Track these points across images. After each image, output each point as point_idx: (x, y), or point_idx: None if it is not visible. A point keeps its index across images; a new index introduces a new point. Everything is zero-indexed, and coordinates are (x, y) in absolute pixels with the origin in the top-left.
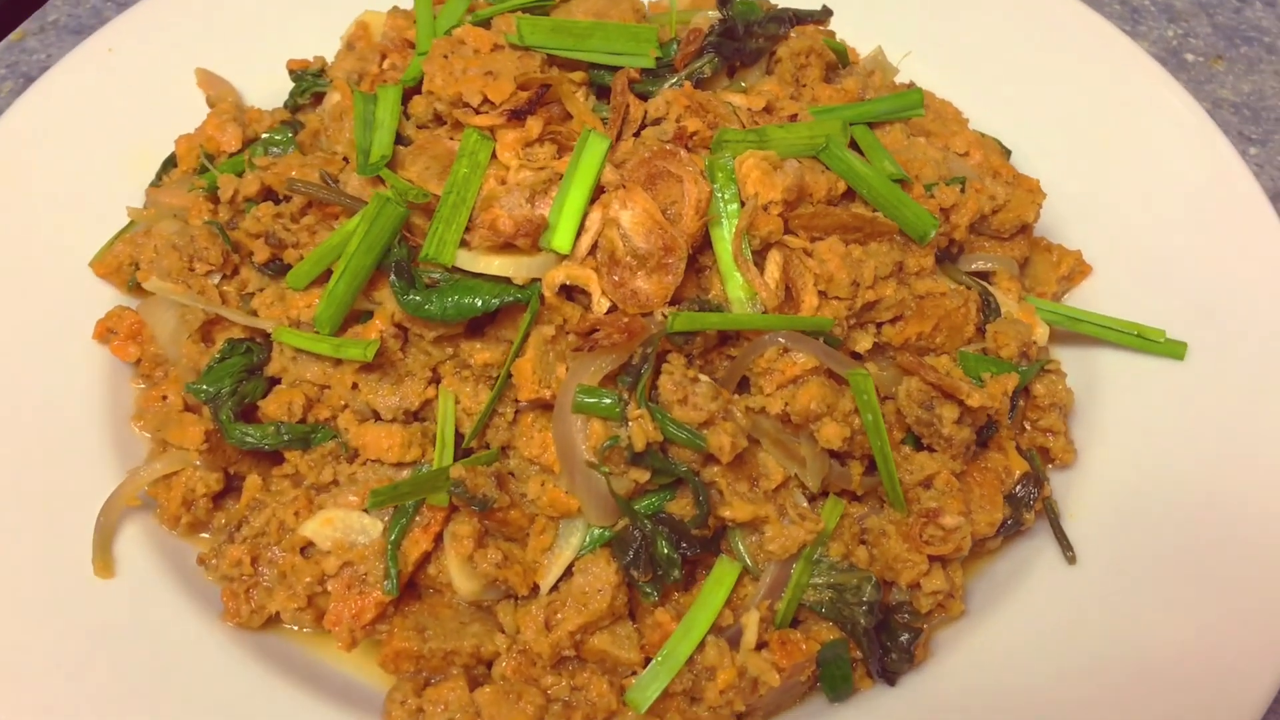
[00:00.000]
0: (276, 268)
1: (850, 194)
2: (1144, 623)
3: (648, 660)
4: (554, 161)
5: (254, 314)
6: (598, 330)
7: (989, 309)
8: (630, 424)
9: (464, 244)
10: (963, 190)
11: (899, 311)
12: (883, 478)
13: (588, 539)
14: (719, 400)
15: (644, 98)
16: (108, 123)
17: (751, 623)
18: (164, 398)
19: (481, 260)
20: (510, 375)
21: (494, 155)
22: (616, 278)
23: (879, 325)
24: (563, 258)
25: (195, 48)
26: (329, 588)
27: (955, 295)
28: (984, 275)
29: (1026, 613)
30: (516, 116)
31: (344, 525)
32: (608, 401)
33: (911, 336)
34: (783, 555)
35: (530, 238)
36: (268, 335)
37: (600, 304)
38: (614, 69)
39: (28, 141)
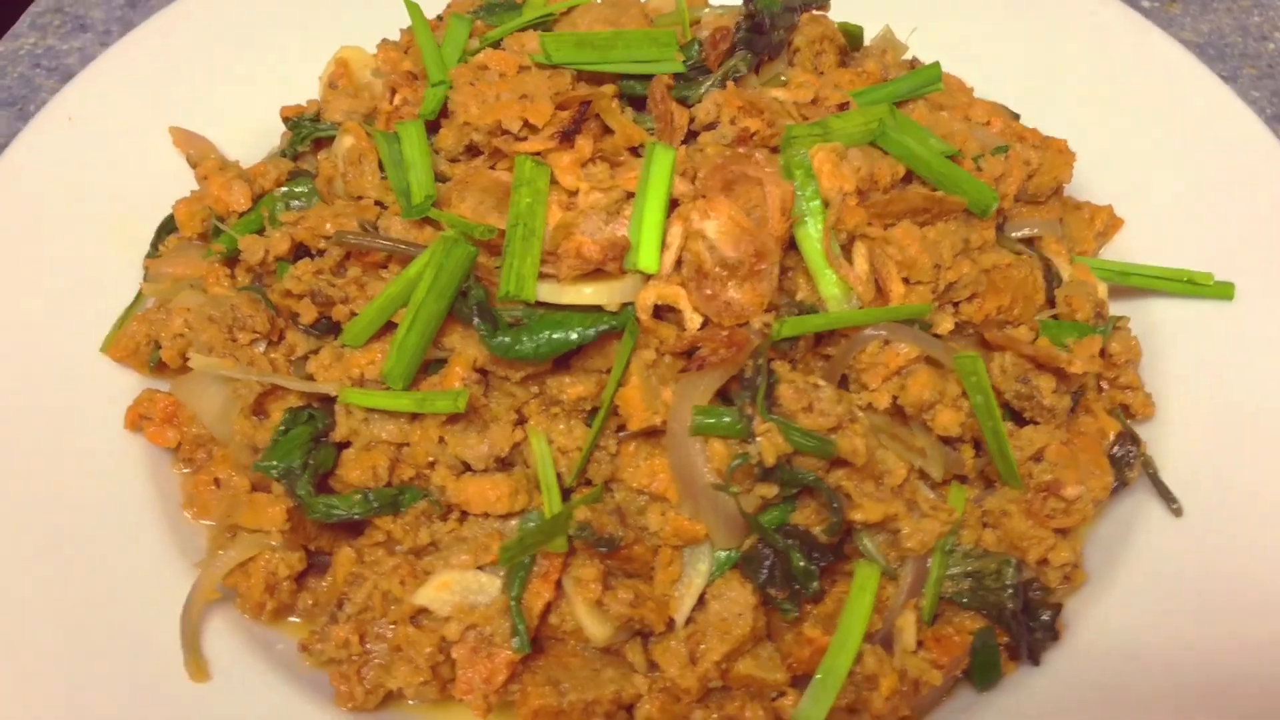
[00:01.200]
0: (323, 327)
1: (907, 177)
2: (1266, 564)
3: (794, 679)
4: (620, 180)
5: (311, 379)
6: (698, 348)
7: (1050, 274)
8: (758, 439)
9: (542, 276)
10: (1005, 159)
11: (974, 289)
12: (995, 458)
13: (715, 564)
14: (844, 403)
15: (680, 103)
16: (82, 196)
17: (909, 624)
18: (215, 481)
19: (569, 291)
20: (611, 406)
21: (552, 180)
22: (709, 291)
23: (956, 305)
24: (649, 277)
25: (158, 106)
26: (453, 655)
27: (1021, 265)
28: (1030, 242)
29: (1146, 571)
30: (566, 138)
31: (461, 587)
32: (728, 419)
33: (991, 312)
34: (922, 550)
35: (619, 261)
36: (328, 400)
37: (693, 320)
38: (644, 78)
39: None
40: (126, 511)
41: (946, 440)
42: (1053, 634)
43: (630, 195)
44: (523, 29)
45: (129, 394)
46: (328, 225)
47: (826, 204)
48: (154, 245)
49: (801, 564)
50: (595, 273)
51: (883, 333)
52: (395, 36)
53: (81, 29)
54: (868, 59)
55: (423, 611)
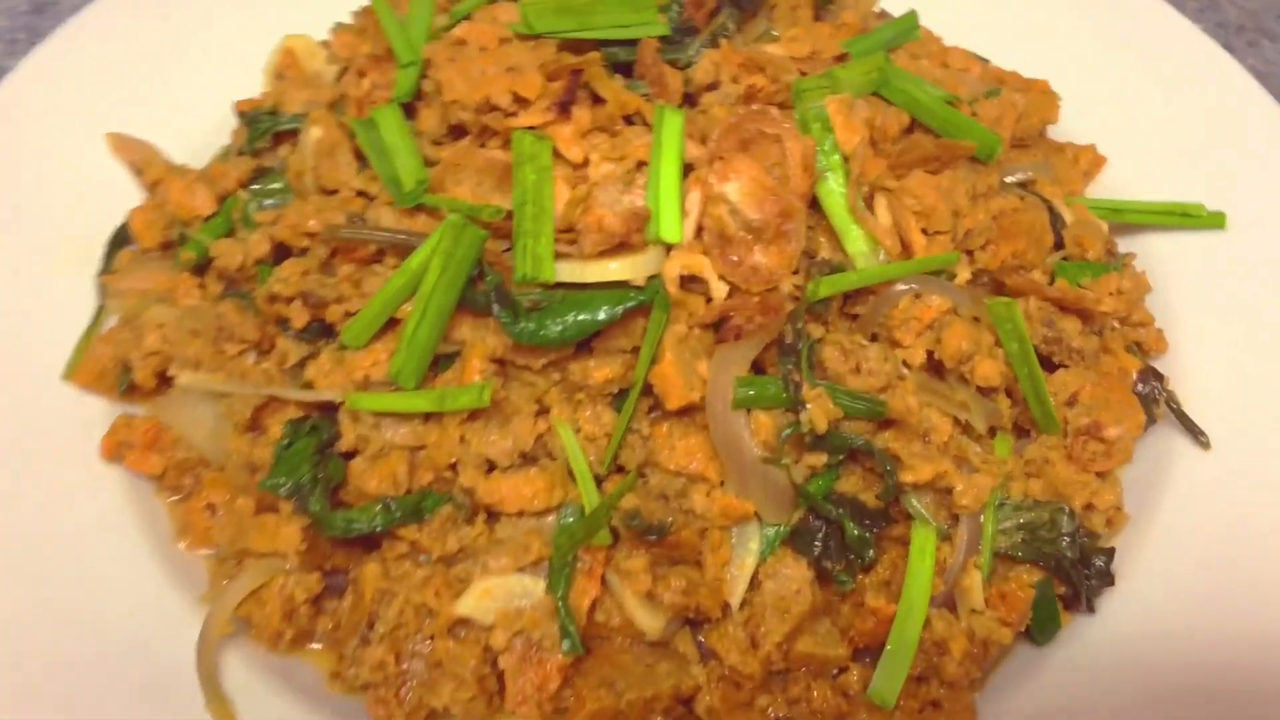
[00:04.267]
0: (316, 331)
1: (909, 128)
2: None
3: (854, 653)
4: (628, 149)
5: (310, 386)
6: (729, 319)
7: (1055, 216)
8: (808, 406)
9: (558, 256)
10: (998, 102)
11: (988, 236)
12: (1034, 405)
13: (765, 542)
14: (890, 361)
15: (670, 66)
16: (17, 216)
17: (975, 583)
18: (209, 506)
19: (592, 268)
20: (645, 386)
21: (555, 154)
22: (734, 257)
23: (970, 254)
24: (670, 248)
25: (88, 113)
26: (501, 665)
27: (1028, 208)
28: (1024, 186)
29: (1186, 507)
30: (563, 109)
31: (505, 593)
32: (773, 389)
33: (1006, 258)
34: (976, 506)
35: (641, 232)
36: (330, 408)
37: (719, 289)
38: (628, 43)
39: None
40: (114, 550)
41: (982, 392)
42: (1109, 579)
43: (641, 164)
44: (492, 1)
45: (100, 422)
46: (311, 222)
47: (846, 158)
48: (106, 261)
49: (856, 532)
50: (617, 247)
51: (914, 286)
52: (334, 22)
53: None
54: (844, 10)
55: (462, 622)
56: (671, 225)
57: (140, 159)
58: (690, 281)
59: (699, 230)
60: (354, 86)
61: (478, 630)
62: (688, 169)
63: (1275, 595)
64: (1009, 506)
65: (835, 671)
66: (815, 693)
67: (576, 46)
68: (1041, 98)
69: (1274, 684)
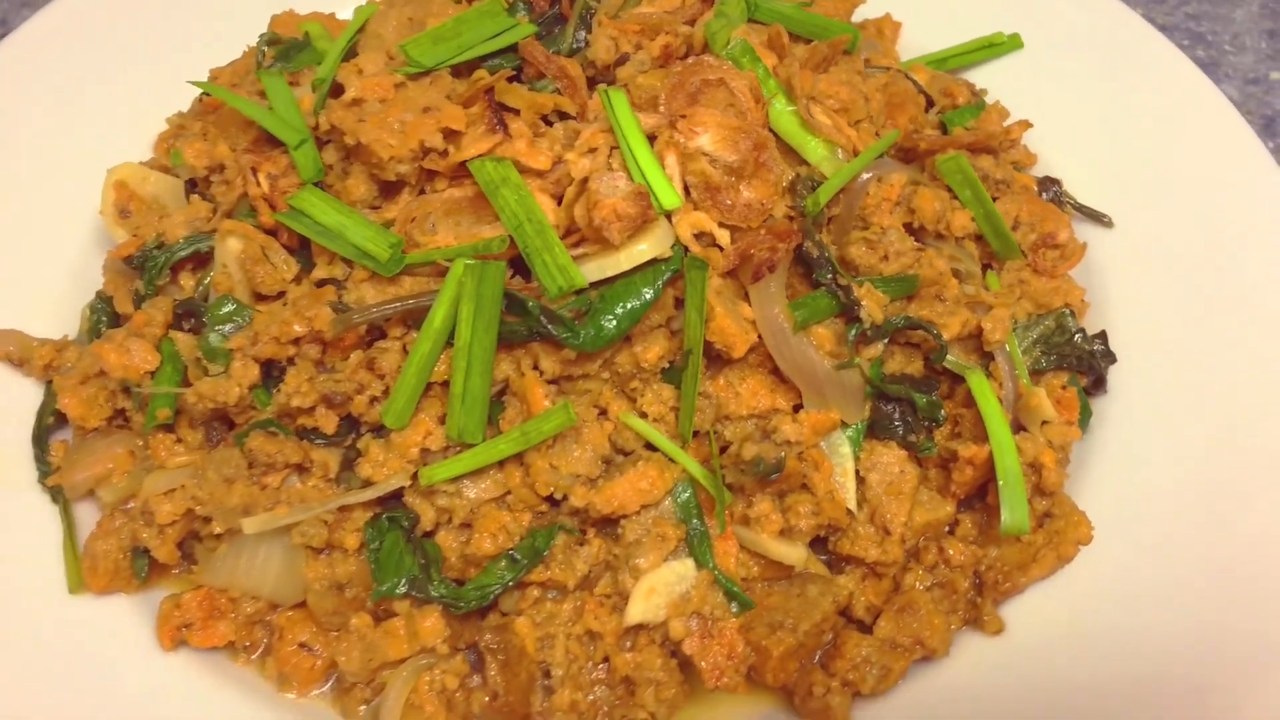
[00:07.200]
0: (343, 431)
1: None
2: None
3: (958, 503)
4: (586, 140)
5: (370, 483)
6: (751, 256)
7: (911, 81)
8: (864, 303)
9: (576, 259)
10: None
11: (888, 112)
12: (995, 239)
13: (851, 443)
14: (907, 238)
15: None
16: None
17: (1041, 398)
18: (301, 646)
19: (623, 257)
20: (699, 349)
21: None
22: (727, 201)
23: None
24: (670, 214)
25: None
26: (685, 651)
27: (895, 79)
28: (867, 63)
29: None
30: (502, 128)
31: (665, 585)
32: (824, 302)
33: (905, 125)
34: (1004, 337)
35: (650, 206)
36: (394, 497)
37: (723, 235)
38: (500, 53)
39: None
40: None
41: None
42: (1111, 357)
43: (613, 149)
44: (346, 56)
45: (128, 619)
46: (296, 327)
47: (785, 80)
48: (40, 461)
49: (924, 401)
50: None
51: (872, 173)
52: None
53: None
54: None
55: (630, 631)
56: (667, 192)
57: (14, 349)
58: (696, 238)
59: (685, 190)
60: (251, 185)
61: (649, 631)
62: (652, 139)
63: None
64: (1019, 329)
65: (948, 529)
66: (949, 551)
67: (457, 72)
68: None
69: None
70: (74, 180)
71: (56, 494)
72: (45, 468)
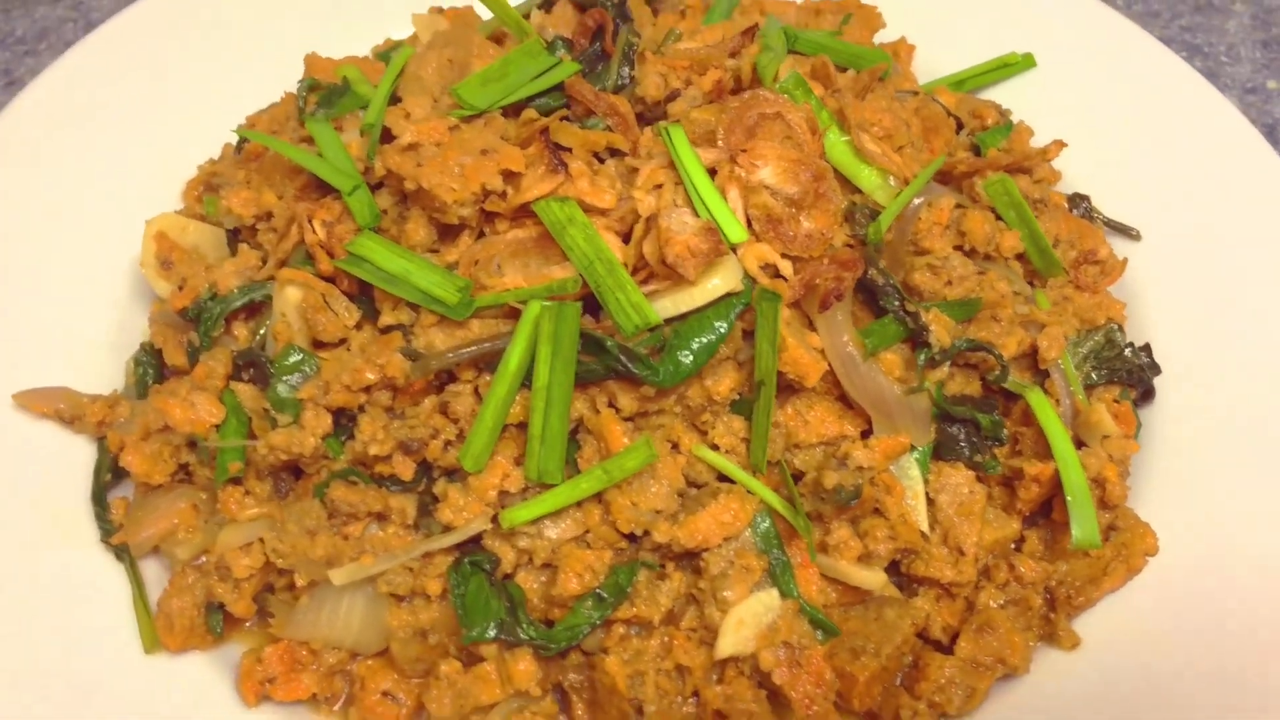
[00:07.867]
0: (419, 476)
1: None
2: None
3: (1022, 518)
4: (646, 178)
5: (450, 528)
6: (817, 286)
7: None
8: (932, 328)
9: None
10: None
11: (925, 137)
12: (1039, 257)
13: (920, 465)
14: (968, 263)
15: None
16: None
17: (1101, 413)
18: (384, 695)
19: (697, 292)
20: (772, 380)
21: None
22: (789, 233)
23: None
24: (735, 248)
25: None
26: (775, 681)
27: (925, 103)
28: None
29: None
30: (564, 168)
31: (753, 616)
32: (893, 328)
33: (941, 149)
34: (1060, 353)
35: (720, 241)
36: (472, 542)
37: (786, 266)
38: (549, 91)
39: None
40: None
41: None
42: (1157, 369)
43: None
44: (391, 101)
45: (203, 677)
46: (368, 374)
47: (836, 112)
48: (102, 520)
49: (988, 421)
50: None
51: (922, 198)
52: (184, 184)
53: None
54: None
55: (720, 663)
56: (733, 226)
57: (66, 408)
58: (761, 270)
59: (748, 222)
60: (308, 233)
61: (738, 663)
62: (712, 173)
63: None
64: (1070, 345)
65: (1014, 546)
66: (1021, 568)
67: (505, 112)
68: (865, 10)
69: None
70: (104, 233)
71: (121, 552)
72: (108, 526)
